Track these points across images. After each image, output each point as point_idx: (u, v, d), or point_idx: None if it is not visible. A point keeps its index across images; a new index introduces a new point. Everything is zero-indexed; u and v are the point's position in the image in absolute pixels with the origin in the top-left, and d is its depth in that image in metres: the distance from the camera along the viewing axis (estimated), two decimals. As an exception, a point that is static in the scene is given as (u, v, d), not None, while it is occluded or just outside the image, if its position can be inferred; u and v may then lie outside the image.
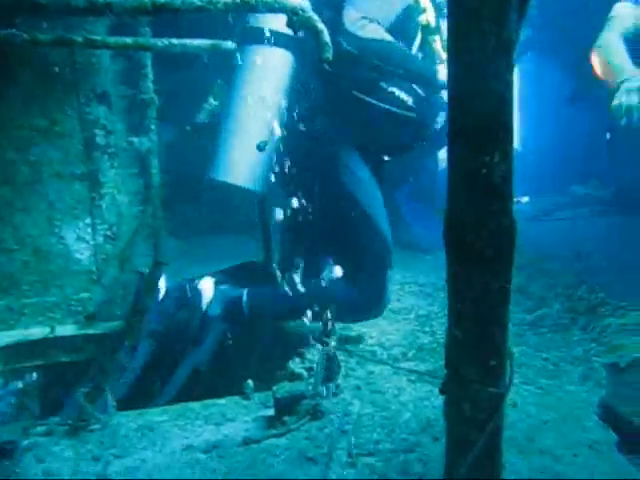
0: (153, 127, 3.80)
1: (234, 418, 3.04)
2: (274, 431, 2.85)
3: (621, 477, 2.45)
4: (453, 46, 1.94)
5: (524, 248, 5.27)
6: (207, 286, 3.96)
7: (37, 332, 3.80)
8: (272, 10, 2.83)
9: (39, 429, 2.90)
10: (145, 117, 3.75)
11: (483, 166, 1.89)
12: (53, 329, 3.82)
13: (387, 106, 3.70)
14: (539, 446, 2.64)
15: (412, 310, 4.35)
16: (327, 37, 2.94)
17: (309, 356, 3.55)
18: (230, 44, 3.59)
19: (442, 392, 2.27)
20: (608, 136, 7.32)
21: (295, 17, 2.82)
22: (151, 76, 3.69)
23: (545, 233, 6.78)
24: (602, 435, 2.79)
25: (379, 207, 3.89)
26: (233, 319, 3.90)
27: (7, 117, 3.48)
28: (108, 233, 3.85)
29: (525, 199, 9.72)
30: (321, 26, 2.91)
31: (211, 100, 3.70)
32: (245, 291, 3.92)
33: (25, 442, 2.77)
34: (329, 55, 2.93)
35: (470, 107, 1.88)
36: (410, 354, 3.64)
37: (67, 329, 3.86)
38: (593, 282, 4.27)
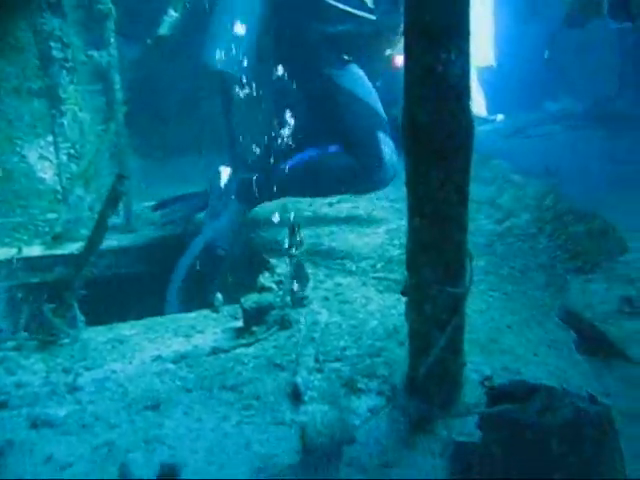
0: (112, 40, 3.70)
1: (203, 330, 3.08)
2: (243, 341, 2.89)
3: (577, 373, 2.53)
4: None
5: (495, 162, 5.33)
6: (225, 170, 4.06)
7: (4, 253, 3.78)
8: None
9: (9, 344, 2.92)
10: (103, 30, 3.65)
11: (439, 63, 1.86)
12: (20, 250, 3.80)
13: (342, 6, 3.71)
14: (501, 347, 2.70)
15: (381, 224, 4.36)
16: None
17: (279, 270, 3.57)
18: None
19: (403, 294, 2.31)
20: (546, 54, 7.31)
21: None
22: (107, -16, 3.57)
23: (518, 149, 6.81)
24: (562, 336, 2.87)
25: (360, 85, 4.02)
26: (247, 198, 4.03)
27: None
28: (71, 151, 3.80)
29: (500, 117, 9.67)
30: None
31: (171, 11, 3.59)
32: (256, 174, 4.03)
33: (-5, 356, 2.79)
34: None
35: (426, 2, 1.83)
36: (379, 266, 3.67)
37: (34, 250, 3.85)
38: (561, 192, 4.30)
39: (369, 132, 3.97)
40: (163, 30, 3.59)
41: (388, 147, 4.04)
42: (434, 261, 2.12)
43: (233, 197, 4.00)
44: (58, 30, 3.51)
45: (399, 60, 4.22)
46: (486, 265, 3.59)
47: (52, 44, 3.52)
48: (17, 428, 2.34)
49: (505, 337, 2.79)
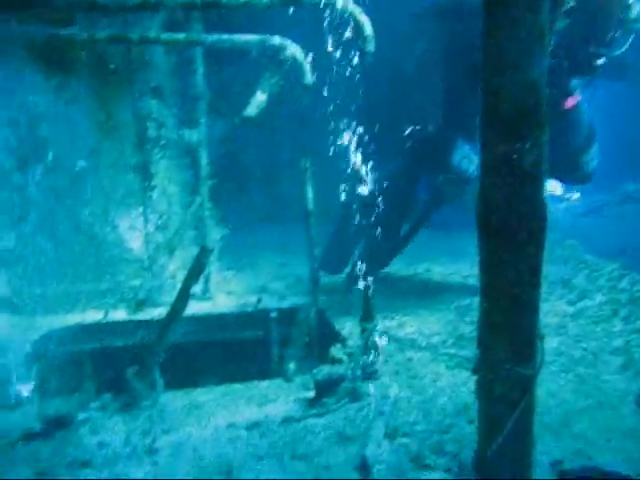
0: (203, 120, 3.96)
1: (276, 399, 3.16)
2: (314, 411, 2.95)
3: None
4: (488, 33, 2.01)
5: (569, 242, 5.31)
6: None
7: (92, 316, 4.00)
8: (317, 4, 2.96)
9: (94, 404, 3.07)
10: (195, 110, 3.92)
11: (514, 152, 1.95)
12: (106, 314, 4.01)
13: None
14: (573, 431, 2.67)
15: (453, 300, 4.39)
16: (369, 30, 3.05)
17: (350, 342, 3.64)
18: (277, 40, 3.72)
19: (474, 372, 2.34)
20: None
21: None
22: (202, 70, 3.85)
23: (593, 229, 6.74)
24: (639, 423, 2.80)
25: None
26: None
27: (67, 111, 3.69)
28: (159, 222, 4.02)
29: (576, 195, 9.63)
30: (363, 18, 3.02)
31: (258, 92, 3.82)
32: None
33: (81, 416, 2.94)
34: (371, 47, 3.06)
35: (503, 93, 1.94)
36: (449, 342, 3.70)
37: (119, 314, 4.06)
38: (637, 275, 4.26)
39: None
40: (250, 111, 3.81)
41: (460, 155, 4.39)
42: (505, 341, 2.16)
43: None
44: (155, 112, 3.81)
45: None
46: (558, 346, 3.56)
47: (149, 124, 3.82)
48: (99, 487, 2.46)
49: (577, 421, 2.76)
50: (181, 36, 3.54)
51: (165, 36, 3.50)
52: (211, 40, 3.58)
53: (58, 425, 2.77)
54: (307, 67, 3.76)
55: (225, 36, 3.61)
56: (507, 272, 2.06)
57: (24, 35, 3.27)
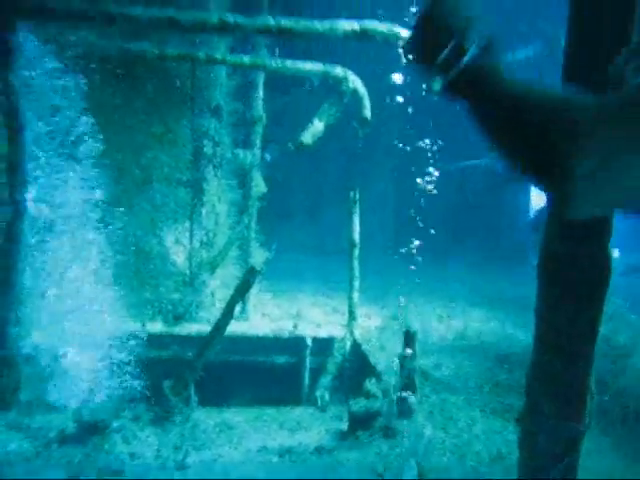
0: (258, 142, 4.02)
1: (309, 427, 3.14)
2: (347, 443, 2.92)
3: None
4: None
5: (614, 300, 5.22)
6: None
7: (130, 326, 4.02)
8: (387, 41, 3.00)
9: (127, 413, 3.08)
10: (252, 133, 3.98)
11: (582, 202, 1.94)
12: (144, 325, 4.03)
13: None
14: (612, 491, 2.61)
15: (491, 349, 4.35)
16: None
17: (385, 378, 3.60)
18: (340, 71, 3.77)
19: (518, 422, 2.29)
20: None
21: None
22: (262, 94, 3.91)
23: (634, 288, 6.63)
24: (680, 490, 2.72)
25: None
26: None
27: (129, 122, 3.77)
28: (204, 239, 4.06)
29: (615, 252, 9.48)
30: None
31: (316, 121, 3.86)
32: None
33: (115, 424, 2.94)
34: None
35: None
36: (486, 388, 3.65)
37: (156, 326, 4.07)
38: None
39: None
40: (306, 138, 3.85)
41: None
42: (555, 394, 2.12)
43: None
44: (213, 130, 3.87)
45: None
46: (598, 404, 3.48)
47: (205, 142, 3.88)
48: (129, 497, 2.46)
49: (617, 482, 2.69)
50: (246, 59, 3.61)
51: (231, 58, 3.58)
52: (275, 65, 3.64)
53: (92, 430, 2.78)
54: (367, 100, 3.79)
55: (289, 62, 3.66)
56: (565, 323, 2.03)
57: (98, 48, 3.35)
